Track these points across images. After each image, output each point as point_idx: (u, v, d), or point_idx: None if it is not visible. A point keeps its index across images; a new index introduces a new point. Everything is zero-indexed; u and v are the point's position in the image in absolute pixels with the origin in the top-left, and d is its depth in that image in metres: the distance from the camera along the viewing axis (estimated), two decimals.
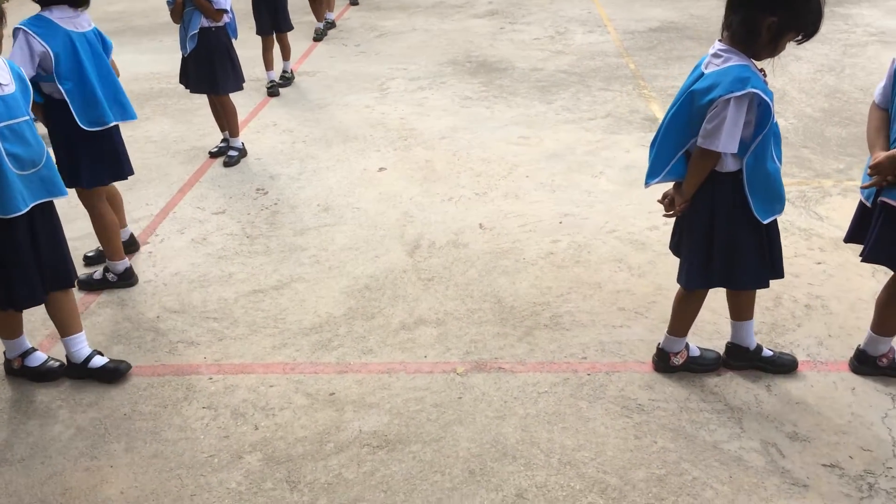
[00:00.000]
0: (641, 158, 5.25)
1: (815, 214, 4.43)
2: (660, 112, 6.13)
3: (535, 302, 3.68)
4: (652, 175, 2.85)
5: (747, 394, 3.04)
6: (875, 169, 2.69)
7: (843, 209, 4.47)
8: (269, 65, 6.89)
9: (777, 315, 3.53)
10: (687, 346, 3.17)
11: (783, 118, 5.81)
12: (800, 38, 2.58)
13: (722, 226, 2.77)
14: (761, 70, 2.67)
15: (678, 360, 3.15)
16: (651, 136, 5.69)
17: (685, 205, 2.82)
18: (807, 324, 3.46)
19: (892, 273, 2.96)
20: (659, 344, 3.19)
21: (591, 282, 3.84)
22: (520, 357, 3.30)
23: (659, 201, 2.95)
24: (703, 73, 2.65)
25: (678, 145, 2.75)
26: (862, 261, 2.89)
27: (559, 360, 3.28)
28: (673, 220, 3.02)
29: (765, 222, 2.74)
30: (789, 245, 3.96)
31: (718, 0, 9.90)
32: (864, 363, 3.12)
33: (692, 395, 3.05)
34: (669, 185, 2.91)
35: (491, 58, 7.76)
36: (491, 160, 5.31)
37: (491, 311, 3.63)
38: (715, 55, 2.63)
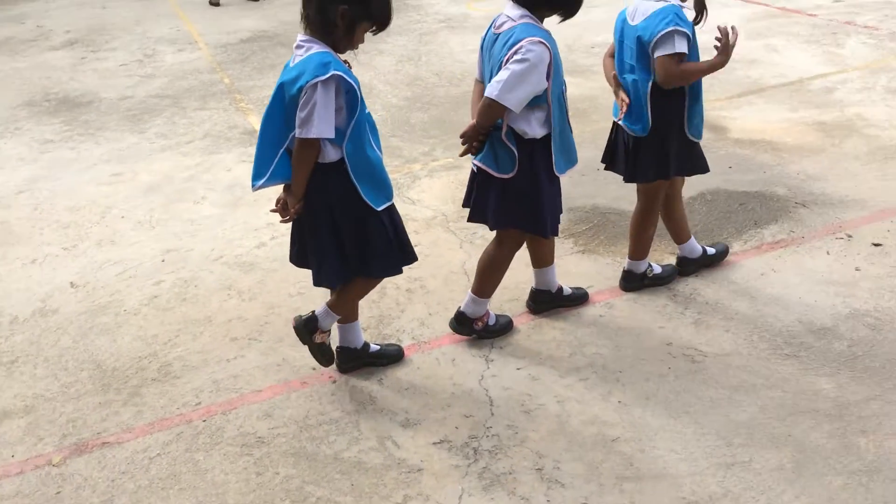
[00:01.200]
0: (244, 175, 5.15)
1: (408, 199, 4.68)
2: (258, 124, 6.07)
3: (140, 356, 3.42)
4: (257, 176, 2.78)
5: (361, 394, 3.10)
6: (463, 137, 2.95)
7: (433, 189, 4.79)
8: None
9: (383, 306, 3.65)
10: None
11: (373, 111, 6.06)
12: (374, 28, 2.70)
13: (343, 218, 2.79)
14: (346, 62, 2.73)
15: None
16: (252, 149, 5.67)
17: (299, 204, 2.77)
18: (409, 308, 3.63)
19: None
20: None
21: (200, 318, 3.66)
22: (127, 424, 3.03)
23: (273, 210, 2.87)
24: (286, 65, 2.71)
25: (278, 142, 2.73)
26: (469, 219, 3.18)
27: (171, 414, 3.07)
28: (288, 230, 2.97)
29: (378, 209, 2.80)
30: None
31: None
32: (462, 324, 3.32)
33: (311, 410, 3.03)
34: (279, 190, 2.86)
35: (73, 92, 7.12)
36: (80, 207, 4.85)
37: (90, 379, 3.29)
38: (297, 46, 2.69)
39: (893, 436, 2.71)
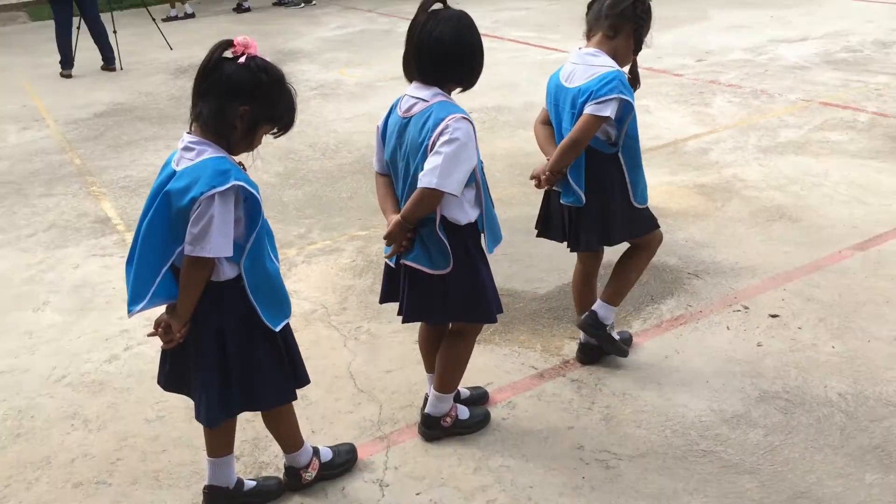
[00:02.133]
0: (95, 272, 4.60)
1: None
2: (112, 210, 5.52)
3: None
4: (135, 300, 2.37)
5: None
6: (388, 239, 2.73)
7: (311, 277, 4.40)
8: None
9: (258, 426, 3.20)
10: (317, 452, 2.87)
11: None
12: (275, 130, 2.43)
13: (234, 343, 2.44)
14: (240, 164, 2.40)
15: (310, 475, 2.81)
16: (105, 240, 5.14)
17: (185, 328, 2.39)
18: None
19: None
20: (285, 463, 2.83)
21: (36, 459, 3.09)
22: None
23: (150, 334, 2.45)
24: (174, 171, 2.34)
25: (161, 259, 2.35)
26: (403, 321, 2.88)
27: None
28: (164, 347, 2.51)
29: (277, 329, 2.47)
30: None
31: (165, 75, 9.71)
32: (430, 427, 3.04)
33: None
34: (160, 310, 2.43)
35: None
36: None
37: None
38: (186, 148, 2.34)
39: None
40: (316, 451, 2.88)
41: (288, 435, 2.78)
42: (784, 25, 9.89)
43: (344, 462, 2.92)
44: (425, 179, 2.57)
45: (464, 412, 3.09)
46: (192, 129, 2.36)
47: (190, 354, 2.48)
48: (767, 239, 4.47)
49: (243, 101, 2.29)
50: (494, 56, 9.15)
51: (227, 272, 2.38)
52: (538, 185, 3.12)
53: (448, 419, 3.04)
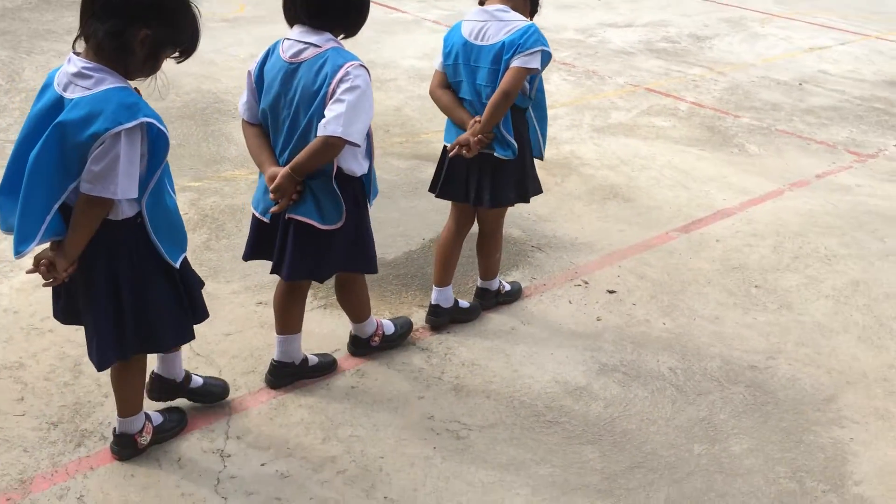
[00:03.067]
0: None
1: None
2: None
3: None
4: (25, 240, 2.15)
5: None
6: (277, 192, 2.58)
7: None
8: None
9: (79, 390, 2.90)
10: (149, 417, 2.64)
11: None
12: (178, 54, 2.25)
13: (128, 283, 2.31)
14: (136, 90, 2.15)
15: (145, 439, 2.60)
16: None
17: (73, 267, 2.17)
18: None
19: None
20: (115, 430, 2.60)
21: None
22: None
23: (30, 271, 2.19)
24: (61, 97, 2.11)
25: (51, 196, 2.14)
26: (286, 280, 2.79)
27: None
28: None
29: (177, 265, 2.38)
30: None
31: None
32: (358, 346, 3.17)
33: None
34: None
35: None
36: None
37: None
38: (80, 75, 2.10)
39: None
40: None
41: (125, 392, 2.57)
42: (610, 10, 10.33)
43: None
44: (329, 128, 2.46)
45: (389, 327, 3.22)
46: (83, 51, 2.12)
47: (80, 297, 2.32)
48: (604, 217, 4.65)
49: (144, 23, 2.08)
50: None
51: (126, 211, 2.23)
52: (468, 152, 3.02)
53: (376, 339, 3.16)
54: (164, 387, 2.74)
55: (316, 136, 2.51)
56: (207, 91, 6.07)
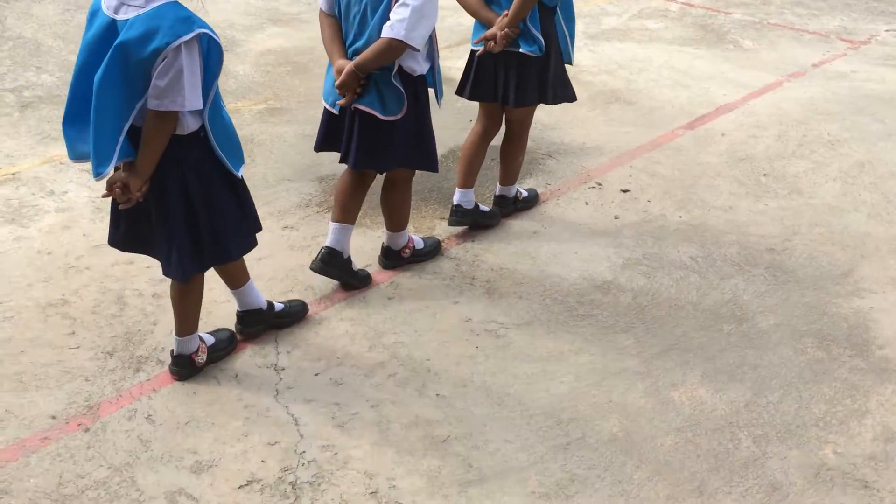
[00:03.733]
0: None
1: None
2: None
3: None
4: (103, 163, 2.23)
5: (128, 439, 2.48)
6: (342, 88, 2.74)
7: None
8: None
9: (127, 320, 2.98)
10: (202, 338, 2.73)
11: (50, 76, 5.02)
12: None
13: (199, 196, 2.42)
14: None
15: (202, 358, 2.71)
16: None
17: (146, 186, 2.31)
18: (162, 318, 2.99)
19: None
20: (174, 351, 2.69)
21: None
22: None
23: (105, 194, 2.34)
24: (113, 20, 2.18)
25: (121, 117, 2.21)
26: (352, 168, 2.96)
27: None
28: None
29: (239, 174, 2.51)
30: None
31: None
32: (389, 258, 3.27)
33: (65, 474, 2.35)
34: None
35: None
36: None
37: None
38: None
39: (699, 385, 2.78)
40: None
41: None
42: None
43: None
44: (393, 31, 2.59)
45: (419, 242, 3.32)
46: None
47: (151, 211, 2.38)
48: (608, 121, 4.69)
49: None
50: None
51: (191, 125, 2.30)
52: (493, 47, 3.10)
53: (407, 250, 3.26)
54: (251, 318, 2.83)
55: (379, 35, 2.63)
56: None
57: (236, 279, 2.76)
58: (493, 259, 3.41)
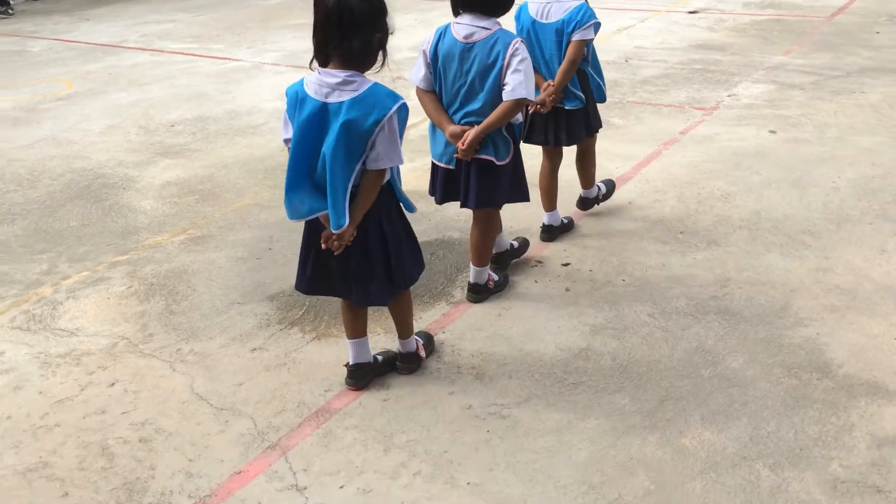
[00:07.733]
0: None
1: (63, 332, 3.68)
2: None
3: None
4: (341, 217, 2.73)
5: None
6: (468, 147, 3.32)
7: (88, 313, 3.85)
8: None
9: (120, 471, 2.78)
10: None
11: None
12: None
13: (391, 233, 2.94)
14: None
15: (423, 353, 3.33)
16: None
17: (354, 231, 2.85)
18: (158, 461, 2.82)
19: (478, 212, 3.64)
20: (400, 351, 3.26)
21: None
22: None
23: (325, 245, 2.84)
24: (324, 104, 2.68)
25: (346, 180, 2.72)
26: (475, 209, 3.57)
27: None
28: None
29: (412, 212, 3.02)
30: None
31: None
32: (479, 293, 3.78)
33: None
34: None
35: None
36: None
37: None
38: (344, 82, 2.67)
39: (702, 428, 2.94)
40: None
41: (410, 320, 3.26)
42: None
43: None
44: (518, 91, 3.21)
45: (494, 277, 3.87)
46: (332, 64, 2.68)
47: (353, 252, 2.86)
48: (524, 206, 4.94)
49: (377, 29, 2.69)
50: (165, 69, 8.69)
51: (387, 175, 2.85)
52: (544, 108, 3.91)
53: (491, 283, 3.82)
54: (361, 372, 3.18)
55: (495, 98, 3.26)
56: (82, 169, 5.80)
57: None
58: (471, 346, 3.48)
